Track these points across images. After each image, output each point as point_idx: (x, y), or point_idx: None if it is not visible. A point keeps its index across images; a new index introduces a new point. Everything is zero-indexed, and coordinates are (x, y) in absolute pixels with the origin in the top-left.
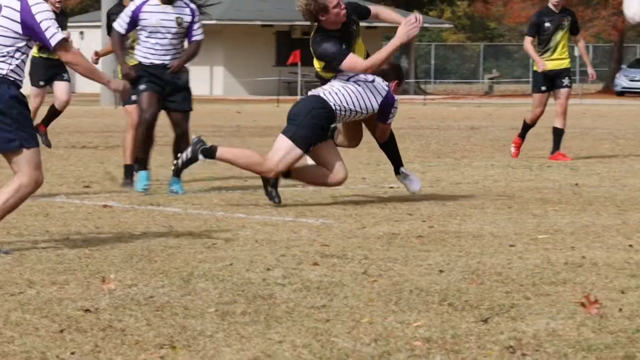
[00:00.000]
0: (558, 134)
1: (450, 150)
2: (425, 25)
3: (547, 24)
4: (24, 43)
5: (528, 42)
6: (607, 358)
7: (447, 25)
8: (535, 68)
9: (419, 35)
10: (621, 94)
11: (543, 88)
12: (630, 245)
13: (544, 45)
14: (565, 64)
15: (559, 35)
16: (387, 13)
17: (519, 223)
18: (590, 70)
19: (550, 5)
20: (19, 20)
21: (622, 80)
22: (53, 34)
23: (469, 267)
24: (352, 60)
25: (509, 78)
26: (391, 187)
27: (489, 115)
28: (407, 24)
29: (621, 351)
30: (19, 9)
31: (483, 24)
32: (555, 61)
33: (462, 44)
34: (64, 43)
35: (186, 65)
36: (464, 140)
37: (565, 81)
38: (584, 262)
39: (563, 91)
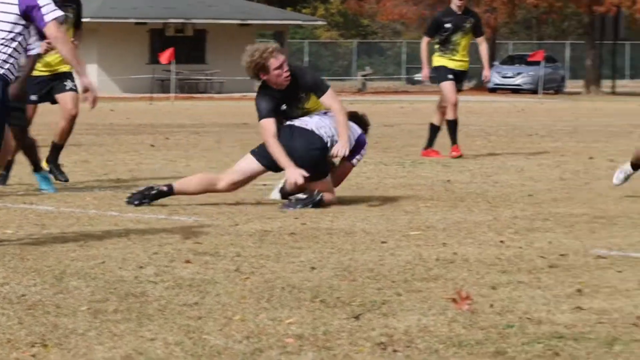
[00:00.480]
0: (434, 130)
1: None
2: (299, 22)
3: (447, 25)
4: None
5: (424, 43)
6: (478, 354)
7: (320, 23)
8: (435, 64)
9: (292, 33)
10: (493, 90)
11: (450, 76)
12: (502, 242)
13: (443, 45)
14: (465, 66)
15: (458, 36)
16: (341, 119)
17: (391, 220)
18: (486, 72)
19: (452, 6)
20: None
21: (494, 77)
22: (51, 10)
23: (340, 264)
24: (265, 128)
25: (382, 75)
26: (264, 185)
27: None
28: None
29: (492, 347)
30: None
31: (356, 21)
32: (458, 62)
33: (335, 41)
34: (58, 22)
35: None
36: None
37: (460, 85)
38: (455, 259)
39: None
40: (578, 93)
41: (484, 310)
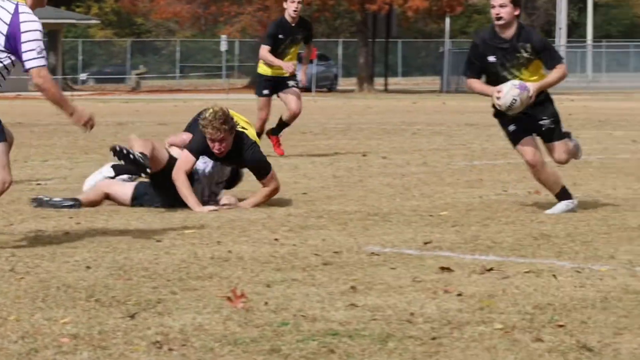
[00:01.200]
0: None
1: (97, 146)
2: (72, 21)
3: (281, 36)
4: (5, 55)
5: (265, 50)
6: (253, 351)
7: (94, 22)
8: (260, 71)
9: (65, 31)
10: None
11: (265, 92)
12: (276, 239)
13: (279, 54)
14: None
15: (293, 47)
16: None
17: (166, 218)
18: (302, 76)
19: (287, 16)
20: (5, 33)
21: None
22: (31, 58)
23: (116, 263)
24: (184, 161)
25: (156, 74)
26: (39, 184)
27: (137, 111)
28: None
29: (267, 344)
30: (8, 21)
31: (130, 19)
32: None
33: (109, 40)
34: (42, 68)
35: None
36: (111, 137)
37: (291, 82)
38: (230, 257)
39: (292, 91)
40: (351, 91)
41: (258, 308)
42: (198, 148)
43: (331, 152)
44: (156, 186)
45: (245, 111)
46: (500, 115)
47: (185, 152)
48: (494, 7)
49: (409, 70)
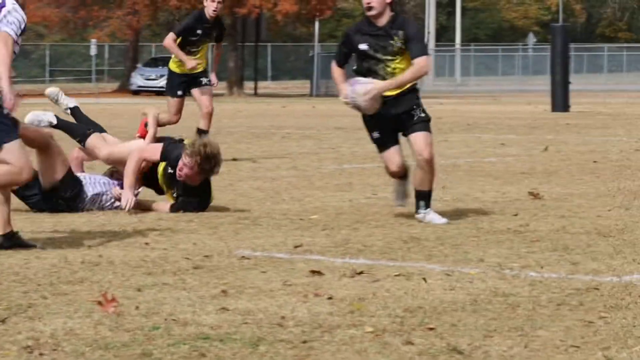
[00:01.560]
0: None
1: None
2: None
3: (198, 31)
4: None
5: (171, 39)
6: (124, 356)
7: None
8: (172, 68)
9: None
10: (137, 92)
11: (179, 93)
12: (147, 244)
13: (189, 48)
14: (202, 67)
15: (204, 44)
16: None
17: (37, 222)
18: (213, 78)
19: (206, 13)
20: None
21: (137, 79)
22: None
23: None
24: (148, 149)
25: (25, 78)
26: None
27: None
28: None
29: (138, 349)
30: None
31: None
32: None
33: None
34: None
35: None
36: None
37: (204, 80)
38: (100, 261)
39: (205, 89)
40: (221, 95)
41: (129, 313)
42: (170, 160)
43: None
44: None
45: (115, 115)
46: (366, 120)
47: (157, 149)
48: None
49: (279, 74)
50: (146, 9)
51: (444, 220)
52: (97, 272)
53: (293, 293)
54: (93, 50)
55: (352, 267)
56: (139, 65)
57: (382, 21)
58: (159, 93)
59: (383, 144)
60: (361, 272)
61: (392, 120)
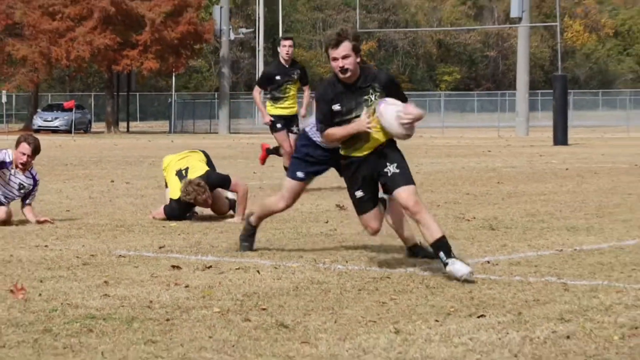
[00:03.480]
0: None
1: None
2: None
3: (277, 77)
4: None
5: (256, 92)
6: (31, 331)
7: None
8: (270, 112)
9: None
10: (37, 131)
11: (279, 126)
12: (46, 246)
13: (275, 94)
14: (294, 111)
15: (290, 87)
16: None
17: None
18: (303, 110)
19: (281, 59)
20: None
21: (38, 121)
22: None
23: None
24: None
25: None
26: None
27: None
28: None
29: (41, 326)
30: None
31: None
32: (287, 109)
33: None
34: None
35: None
36: None
37: (295, 129)
38: (12, 259)
39: (292, 136)
40: (101, 132)
41: (34, 298)
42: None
43: (87, 179)
44: None
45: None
46: (348, 176)
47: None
48: (335, 59)
49: (145, 115)
50: (43, 67)
51: (467, 269)
52: (9, 267)
53: (158, 283)
54: (3, 99)
55: (203, 262)
56: (39, 110)
57: (353, 78)
58: (54, 131)
59: (364, 207)
60: (210, 267)
61: (373, 179)
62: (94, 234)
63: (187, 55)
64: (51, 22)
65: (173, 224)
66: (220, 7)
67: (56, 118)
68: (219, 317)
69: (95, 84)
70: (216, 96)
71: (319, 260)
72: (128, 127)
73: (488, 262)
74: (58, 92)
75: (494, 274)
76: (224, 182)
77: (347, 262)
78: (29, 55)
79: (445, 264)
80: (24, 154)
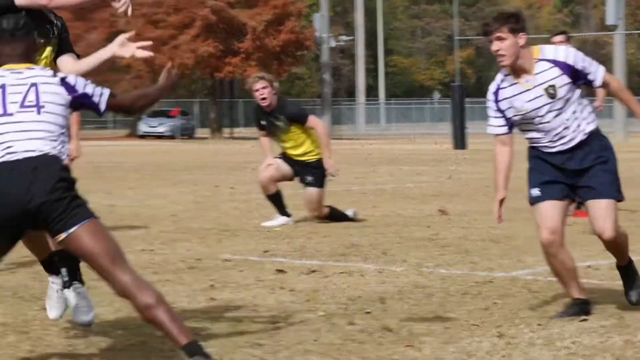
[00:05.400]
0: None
1: None
2: None
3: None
4: None
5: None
6: (138, 333)
7: None
8: None
9: None
10: (142, 137)
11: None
12: (152, 250)
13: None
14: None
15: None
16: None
17: None
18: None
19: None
20: None
21: (142, 127)
22: None
23: (33, 269)
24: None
25: None
26: None
27: None
28: None
29: (148, 328)
30: None
31: None
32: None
33: None
34: None
35: None
36: None
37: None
38: None
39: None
40: (205, 138)
41: None
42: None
43: (192, 184)
44: None
45: (125, 153)
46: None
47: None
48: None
49: (249, 122)
50: (147, 74)
51: None
52: None
53: (263, 287)
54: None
55: (308, 266)
56: (143, 116)
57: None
58: (158, 137)
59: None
60: (315, 270)
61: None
62: (199, 238)
63: (288, 62)
64: (154, 30)
65: (278, 228)
66: (320, 15)
67: (161, 124)
68: (324, 321)
69: (199, 91)
70: (318, 103)
71: (422, 264)
72: (232, 133)
73: (589, 266)
74: (162, 98)
75: (596, 279)
76: (302, 115)
77: (450, 266)
78: (133, 62)
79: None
80: None
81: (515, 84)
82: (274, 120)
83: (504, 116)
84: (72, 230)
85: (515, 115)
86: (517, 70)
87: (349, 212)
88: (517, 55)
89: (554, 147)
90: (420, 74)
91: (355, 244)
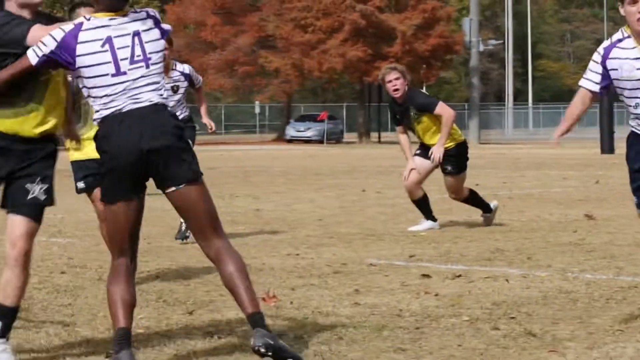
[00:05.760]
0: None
1: None
2: None
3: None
4: None
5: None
6: (284, 339)
7: None
8: None
9: None
10: (290, 141)
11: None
12: (298, 254)
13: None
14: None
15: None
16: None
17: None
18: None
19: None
20: None
21: (290, 131)
22: None
23: (178, 273)
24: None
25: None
26: None
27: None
28: None
29: (292, 334)
30: None
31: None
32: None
33: None
34: None
35: None
36: None
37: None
38: (264, 267)
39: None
40: (353, 142)
41: (286, 306)
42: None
43: (338, 188)
44: None
45: (274, 158)
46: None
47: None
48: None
49: None
50: (295, 78)
51: None
52: (261, 276)
53: (408, 291)
54: (257, 110)
55: (452, 271)
56: (291, 120)
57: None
58: (306, 141)
59: None
60: (460, 275)
61: None
62: (345, 243)
63: (437, 66)
64: (303, 35)
65: (423, 232)
66: (470, 19)
67: (309, 128)
68: (468, 326)
69: (347, 95)
70: (466, 107)
71: (567, 269)
72: (379, 137)
73: None
74: (310, 102)
75: None
76: (430, 103)
77: (595, 271)
78: (282, 67)
79: None
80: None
81: (634, 47)
82: (406, 111)
83: (603, 75)
84: (181, 186)
85: (626, 80)
86: None
87: (492, 204)
88: None
89: None
90: (569, 78)
91: (501, 249)
